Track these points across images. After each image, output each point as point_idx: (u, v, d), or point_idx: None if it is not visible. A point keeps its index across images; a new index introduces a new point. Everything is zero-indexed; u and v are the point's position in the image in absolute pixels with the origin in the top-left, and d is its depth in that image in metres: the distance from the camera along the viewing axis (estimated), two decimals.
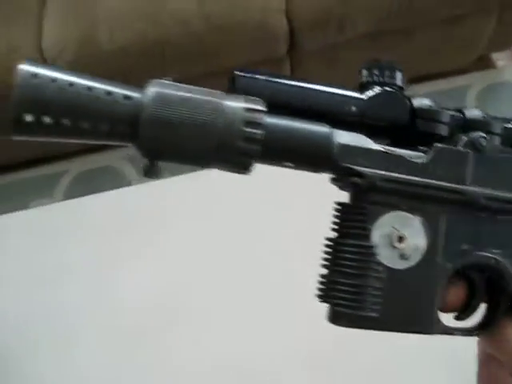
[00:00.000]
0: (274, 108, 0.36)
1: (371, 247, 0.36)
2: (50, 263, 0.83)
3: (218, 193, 0.85)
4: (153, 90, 0.33)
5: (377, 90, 0.39)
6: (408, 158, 0.38)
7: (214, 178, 0.86)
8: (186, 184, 0.90)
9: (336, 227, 0.38)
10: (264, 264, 0.78)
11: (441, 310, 0.38)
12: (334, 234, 0.38)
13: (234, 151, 0.34)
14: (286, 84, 0.38)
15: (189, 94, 0.34)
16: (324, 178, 0.39)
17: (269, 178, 0.84)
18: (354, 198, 0.37)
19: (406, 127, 0.39)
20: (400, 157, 0.37)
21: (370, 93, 0.39)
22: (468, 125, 0.40)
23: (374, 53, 1.83)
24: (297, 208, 0.82)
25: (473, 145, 0.39)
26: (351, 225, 0.37)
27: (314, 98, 0.38)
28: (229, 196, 0.84)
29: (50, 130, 0.32)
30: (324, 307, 0.37)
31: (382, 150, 0.37)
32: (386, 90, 0.39)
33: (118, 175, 1.92)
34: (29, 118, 0.31)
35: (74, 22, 1.65)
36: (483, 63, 2.05)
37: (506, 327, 0.39)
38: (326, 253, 0.38)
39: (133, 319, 0.76)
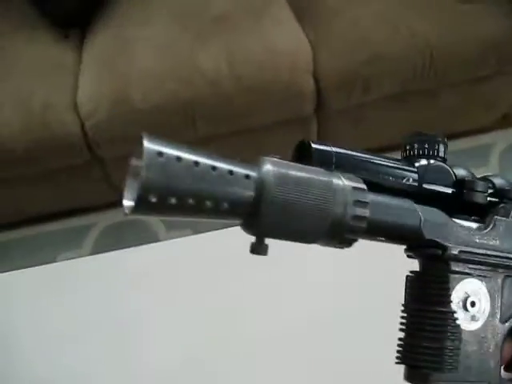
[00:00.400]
0: None
1: (453, 313, 0.40)
2: (75, 318, 0.84)
3: (245, 250, 0.86)
4: (270, 168, 0.33)
5: (424, 162, 0.43)
6: (477, 230, 0.42)
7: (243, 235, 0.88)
8: (213, 241, 0.91)
9: (413, 295, 0.42)
10: (282, 324, 0.79)
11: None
12: (410, 301, 0.42)
13: (344, 230, 0.35)
14: (354, 157, 0.41)
15: (303, 174, 0.34)
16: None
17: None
18: (433, 267, 0.41)
19: (452, 197, 0.43)
20: (470, 229, 0.42)
21: (421, 165, 0.43)
22: (499, 193, 0.45)
23: (399, 113, 1.86)
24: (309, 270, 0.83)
25: None
26: (434, 293, 0.40)
27: (377, 169, 0.41)
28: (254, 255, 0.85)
29: (172, 210, 0.31)
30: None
31: (458, 223, 0.41)
32: (436, 163, 0.43)
33: (146, 229, 1.95)
34: (154, 198, 0.30)
35: (108, 81, 1.70)
36: (506, 121, 2.07)
37: None
38: (405, 318, 0.41)
39: (155, 378, 0.76)
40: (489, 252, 0.42)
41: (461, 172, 0.44)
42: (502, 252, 0.42)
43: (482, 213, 0.44)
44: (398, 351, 0.41)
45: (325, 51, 1.69)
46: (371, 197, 0.37)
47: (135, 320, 0.82)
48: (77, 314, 0.84)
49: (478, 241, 0.42)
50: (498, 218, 0.43)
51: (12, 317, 0.86)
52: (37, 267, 0.92)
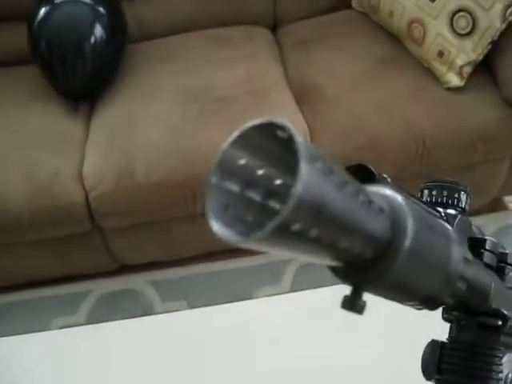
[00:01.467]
0: None
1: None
2: None
3: (243, 325, 0.88)
4: (405, 207, 0.27)
5: (452, 211, 0.38)
6: None
7: (239, 310, 0.91)
8: (210, 316, 0.92)
9: (454, 367, 0.38)
10: None
11: None
12: (449, 373, 0.38)
13: (448, 291, 0.31)
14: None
15: (430, 217, 0.29)
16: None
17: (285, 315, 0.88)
18: (486, 338, 0.37)
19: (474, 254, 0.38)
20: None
21: (449, 215, 0.37)
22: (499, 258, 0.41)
23: None
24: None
25: None
26: (484, 367, 0.37)
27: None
28: (256, 328, 0.87)
29: (305, 244, 0.22)
30: None
31: (510, 292, 0.39)
32: (462, 216, 0.38)
33: (141, 298, 1.97)
34: (297, 227, 0.21)
35: (113, 154, 1.77)
36: (496, 205, 2.13)
37: None
38: None
39: None
40: None
41: (474, 228, 0.40)
42: None
43: None
44: None
45: (323, 136, 1.76)
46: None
47: None
48: (69, 382, 0.85)
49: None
50: None
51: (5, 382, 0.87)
52: (30, 334, 0.92)
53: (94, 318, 1.90)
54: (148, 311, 1.89)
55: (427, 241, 0.27)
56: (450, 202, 0.39)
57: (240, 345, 0.86)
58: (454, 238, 0.30)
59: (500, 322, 0.36)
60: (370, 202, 0.24)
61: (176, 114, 1.82)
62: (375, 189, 0.28)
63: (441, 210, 0.38)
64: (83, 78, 1.91)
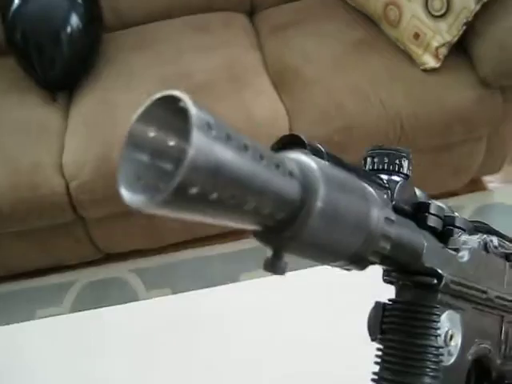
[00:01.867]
0: None
1: (438, 347, 0.37)
2: (54, 376, 0.84)
3: (225, 310, 0.88)
4: (314, 166, 0.28)
5: (395, 178, 0.39)
6: (459, 260, 0.40)
7: (222, 294, 0.92)
8: (193, 301, 0.92)
9: (394, 325, 0.39)
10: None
11: None
12: (389, 332, 0.39)
13: (371, 250, 0.32)
14: (341, 161, 0.35)
15: (346, 178, 0.30)
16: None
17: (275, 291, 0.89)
18: (422, 297, 0.38)
19: (415, 219, 0.39)
20: (456, 258, 0.39)
21: (391, 181, 0.38)
22: (446, 221, 0.41)
23: None
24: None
25: (485, 247, 0.42)
26: (420, 325, 0.37)
27: (362, 179, 0.36)
28: (235, 313, 0.87)
29: (205, 208, 0.24)
30: None
31: (449, 252, 0.39)
32: (404, 181, 0.39)
33: (126, 287, 1.98)
34: (194, 190, 0.22)
35: (92, 143, 1.76)
36: (474, 186, 2.16)
37: None
38: (382, 350, 0.38)
39: None
40: (469, 284, 0.40)
41: (419, 193, 0.41)
42: (477, 284, 0.40)
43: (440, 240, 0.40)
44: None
45: (301, 119, 1.78)
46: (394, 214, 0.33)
47: (114, 379, 0.83)
48: (56, 371, 0.84)
49: (461, 271, 0.39)
50: (472, 247, 0.41)
51: None
52: (15, 324, 0.92)
53: (79, 308, 1.90)
54: (133, 300, 1.89)
55: (341, 202, 0.28)
56: (391, 168, 0.39)
57: (226, 328, 0.87)
58: (374, 200, 0.31)
59: (435, 281, 0.37)
60: (277, 166, 0.25)
61: None
62: (291, 155, 0.29)
63: (384, 176, 0.38)
64: (60, 67, 1.89)
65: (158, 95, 0.23)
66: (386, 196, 0.34)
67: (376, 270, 0.40)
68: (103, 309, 0.94)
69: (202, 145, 0.22)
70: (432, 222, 0.39)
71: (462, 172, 2.04)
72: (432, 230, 0.39)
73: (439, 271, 0.37)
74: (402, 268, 0.38)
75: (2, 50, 1.99)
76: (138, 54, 1.99)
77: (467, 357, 0.40)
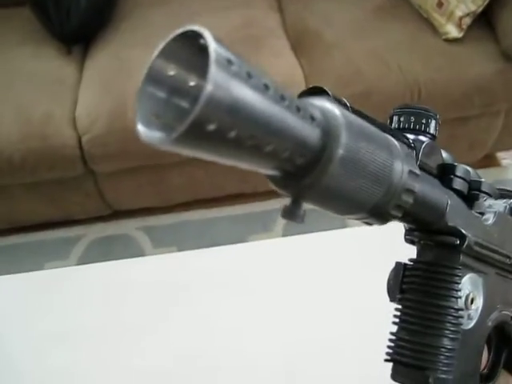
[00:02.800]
0: None
1: (458, 310, 0.36)
2: (59, 325, 0.84)
3: (228, 268, 0.88)
4: (338, 114, 0.27)
5: (422, 137, 0.38)
6: (484, 223, 0.39)
7: (225, 254, 0.91)
8: (198, 259, 0.92)
9: (415, 285, 0.38)
10: (279, 335, 0.79)
11: None
12: (409, 292, 0.38)
13: (393, 203, 0.31)
14: (366, 116, 0.35)
15: (370, 129, 0.29)
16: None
17: (282, 256, 0.88)
18: (444, 257, 0.37)
19: (442, 180, 0.39)
20: (481, 222, 0.39)
21: (417, 141, 0.38)
22: (471, 185, 0.41)
23: None
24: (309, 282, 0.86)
25: (510, 211, 0.41)
26: (441, 285, 0.37)
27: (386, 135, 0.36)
28: (238, 272, 0.87)
29: (221, 146, 0.23)
30: None
31: (473, 213, 0.38)
32: (431, 141, 0.38)
33: (133, 244, 1.98)
34: (212, 127, 0.21)
35: (106, 97, 1.75)
36: (488, 161, 2.14)
37: (506, 378, 0.43)
38: (401, 310, 0.38)
39: None
40: (493, 247, 0.39)
41: (445, 155, 0.40)
42: (501, 248, 0.40)
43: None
44: (389, 347, 0.38)
45: (318, 83, 1.73)
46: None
47: (117, 330, 0.83)
48: (61, 322, 0.85)
49: (485, 234, 0.38)
50: (498, 211, 0.40)
51: None
52: (23, 274, 0.93)
53: (86, 262, 1.90)
54: (140, 256, 1.90)
55: (363, 151, 0.27)
56: (417, 127, 0.38)
57: (230, 287, 0.86)
58: (397, 153, 0.30)
59: (458, 241, 0.36)
60: (298, 109, 0.25)
61: None
62: (315, 101, 0.28)
63: (410, 136, 0.38)
64: (76, 20, 1.87)
65: (180, 30, 0.23)
66: (411, 151, 0.33)
67: (395, 232, 0.40)
68: (109, 262, 0.94)
69: (220, 80, 0.21)
70: (458, 184, 0.39)
71: (477, 146, 2.01)
72: (457, 193, 0.39)
73: (462, 231, 0.36)
74: (425, 226, 0.37)
75: (18, 0, 1.97)
76: (156, 10, 1.96)
77: (487, 322, 0.39)
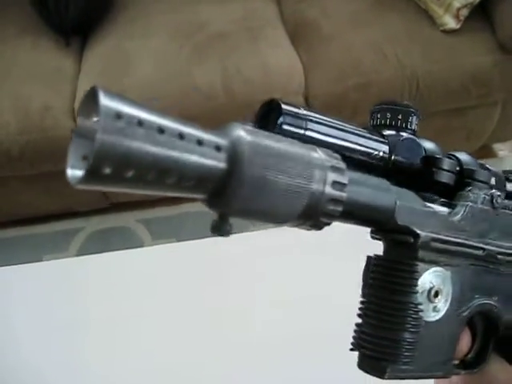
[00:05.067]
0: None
1: (417, 304, 0.37)
2: (59, 316, 0.84)
3: (226, 259, 0.88)
4: (244, 138, 0.29)
5: (396, 133, 0.40)
6: (448, 217, 0.39)
7: (221, 244, 0.91)
8: (196, 249, 0.92)
9: (376, 281, 0.39)
10: (267, 331, 0.80)
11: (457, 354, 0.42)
12: (372, 287, 0.39)
13: (319, 213, 0.32)
14: (325, 122, 0.37)
15: (281, 145, 0.30)
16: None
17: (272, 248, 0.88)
18: (401, 254, 0.38)
19: (421, 174, 0.40)
20: (443, 216, 0.39)
21: (392, 137, 0.39)
22: (465, 173, 0.42)
23: None
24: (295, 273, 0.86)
25: (491, 202, 0.42)
26: (398, 281, 0.38)
27: (349, 138, 0.38)
28: (237, 262, 0.87)
29: (127, 183, 0.26)
30: None
31: (432, 210, 0.38)
32: (407, 136, 0.40)
33: (132, 236, 1.98)
34: (108, 170, 0.25)
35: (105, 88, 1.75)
36: (484, 152, 2.14)
37: (493, 363, 0.45)
38: (364, 304, 0.39)
39: (139, 377, 0.77)
40: (459, 240, 0.39)
41: (430, 147, 0.41)
42: (471, 241, 0.40)
43: (448, 193, 0.41)
44: (354, 337, 0.39)
45: (317, 74, 1.76)
46: (349, 176, 0.33)
47: (119, 322, 0.83)
48: (60, 313, 0.85)
49: (449, 229, 0.39)
50: (470, 203, 0.40)
51: None
52: (22, 265, 0.93)
53: (84, 254, 1.90)
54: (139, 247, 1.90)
55: (272, 170, 0.29)
56: (393, 123, 0.40)
57: (231, 278, 0.87)
58: (319, 165, 0.31)
59: (411, 239, 0.37)
60: (199, 142, 0.28)
61: (170, 50, 1.80)
62: (229, 129, 0.30)
63: (387, 132, 0.39)
64: (75, 11, 1.87)
65: (88, 89, 0.26)
66: (337, 160, 0.33)
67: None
68: (108, 253, 0.95)
69: (107, 134, 0.24)
70: (440, 176, 0.40)
71: (473, 137, 2.02)
72: (441, 185, 0.40)
73: (415, 230, 0.37)
74: (374, 226, 0.38)
75: None
76: (155, 2, 1.96)
77: (461, 312, 0.40)
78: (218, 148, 0.28)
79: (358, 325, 0.39)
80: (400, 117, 0.40)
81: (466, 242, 0.40)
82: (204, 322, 0.81)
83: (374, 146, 0.39)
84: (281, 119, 0.35)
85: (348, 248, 0.83)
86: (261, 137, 0.30)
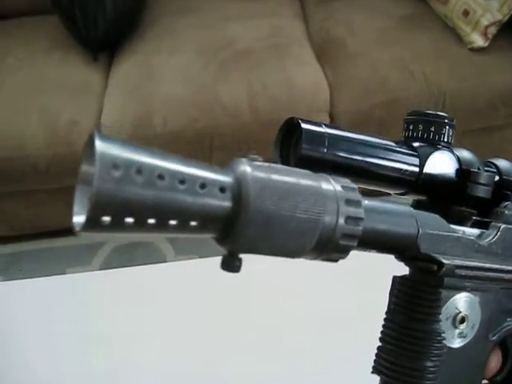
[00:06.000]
0: (333, 164, 0.35)
1: (440, 333, 0.36)
2: (81, 331, 0.83)
3: (252, 274, 0.88)
4: (249, 175, 0.28)
5: (427, 147, 0.38)
6: (477, 241, 0.37)
7: (246, 262, 0.91)
8: (218, 266, 0.92)
9: (399, 305, 0.38)
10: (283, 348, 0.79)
11: (486, 375, 0.41)
12: (395, 311, 0.38)
13: (333, 247, 0.31)
14: (349, 138, 0.36)
15: (288, 179, 0.29)
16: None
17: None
18: (425, 282, 0.37)
19: (454, 188, 0.39)
20: (470, 240, 0.37)
21: (423, 151, 0.38)
22: (504, 183, 0.41)
23: None
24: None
25: None
26: (422, 310, 0.36)
27: (374, 153, 0.37)
28: (258, 279, 0.87)
29: (129, 229, 0.26)
30: None
31: (457, 235, 0.37)
32: (441, 150, 0.38)
33: (156, 252, 1.99)
34: (107, 218, 0.25)
35: (132, 104, 1.76)
36: None
37: None
38: (387, 328, 0.38)
39: None
40: (487, 265, 0.38)
41: (466, 158, 0.39)
42: (501, 265, 0.38)
43: (484, 206, 0.39)
44: (375, 361, 0.38)
45: (342, 92, 1.75)
46: (367, 205, 0.32)
47: (139, 336, 0.82)
48: (81, 325, 0.84)
49: (477, 253, 0.37)
50: (503, 225, 0.39)
51: (16, 324, 0.87)
52: (46, 278, 0.92)
53: (108, 268, 1.91)
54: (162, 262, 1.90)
55: (279, 208, 0.28)
56: (425, 136, 0.38)
57: (252, 294, 0.86)
58: (330, 196, 0.30)
59: (435, 267, 0.35)
60: (202, 186, 0.27)
61: (196, 66, 1.81)
62: (236, 165, 0.29)
63: (420, 145, 0.38)
64: (104, 27, 1.89)
65: (88, 137, 0.26)
66: (353, 191, 0.31)
67: None
68: (131, 268, 0.94)
69: (104, 183, 0.24)
70: (475, 191, 0.38)
71: (501, 157, 1.99)
72: (477, 199, 0.38)
73: (439, 258, 0.35)
74: (396, 254, 0.36)
75: (46, 8, 1.99)
76: (182, 18, 1.98)
77: (490, 337, 0.39)
78: (222, 189, 0.27)
79: (379, 348, 0.38)
80: (433, 129, 0.38)
81: (495, 266, 0.38)
82: (227, 337, 0.81)
83: (403, 160, 0.38)
84: (301, 139, 0.34)
85: (374, 264, 0.83)
86: (267, 172, 0.29)
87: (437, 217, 0.36)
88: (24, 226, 2.01)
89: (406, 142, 0.39)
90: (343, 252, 0.31)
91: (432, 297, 0.36)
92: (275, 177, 0.29)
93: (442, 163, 0.38)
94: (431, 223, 0.36)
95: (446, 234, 0.36)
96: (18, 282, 0.94)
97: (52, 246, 2.04)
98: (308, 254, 0.31)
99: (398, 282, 0.38)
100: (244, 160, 0.29)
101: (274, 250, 0.30)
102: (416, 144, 0.39)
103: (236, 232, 0.28)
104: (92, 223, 0.25)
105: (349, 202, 0.30)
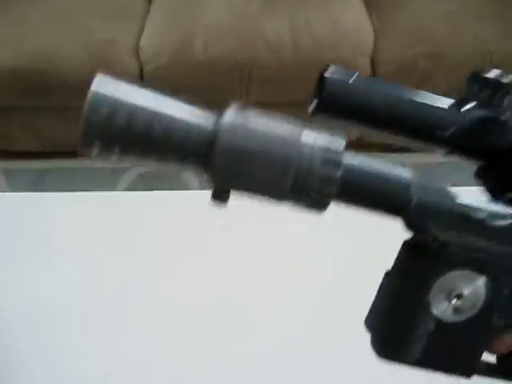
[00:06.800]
0: (364, 115, 0.35)
1: (428, 303, 0.36)
2: (98, 248, 0.84)
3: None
4: (230, 115, 0.31)
5: (476, 111, 0.35)
6: (488, 223, 0.35)
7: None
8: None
9: (399, 268, 0.38)
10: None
11: (494, 352, 0.40)
12: (393, 273, 0.38)
13: (310, 191, 0.31)
14: (379, 90, 0.36)
15: (268, 124, 0.31)
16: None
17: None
18: (423, 253, 0.36)
19: (501, 155, 0.36)
20: (479, 221, 0.34)
21: (469, 114, 0.35)
22: None
23: None
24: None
25: None
26: (414, 281, 0.37)
27: (407, 108, 0.36)
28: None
29: (119, 157, 0.31)
30: None
31: (463, 212, 0.34)
32: (487, 115, 0.36)
33: (180, 181, 1.99)
34: (96, 146, 0.31)
35: (173, 29, 1.75)
36: None
37: None
38: (382, 286, 0.38)
39: (175, 318, 0.74)
40: (501, 250, 0.35)
41: None
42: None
43: None
44: (368, 315, 0.39)
45: (387, 39, 1.72)
46: (348, 159, 0.32)
47: (154, 261, 0.81)
48: (101, 246, 0.84)
49: (489, 236, 0.35)
50: None
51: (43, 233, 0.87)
52: (71, 193, 0.93)
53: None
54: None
55: (253, 141, 0.31)
56: (482, 99, 0.36)
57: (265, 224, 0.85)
58: (304, 144, 0.31)
59: (430, 239, 0.35)
60: (188, 124, 0.30)
61: None
62: (222, 109, 0.31)
63: (473, 108, 0.35)
64: None
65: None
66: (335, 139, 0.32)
67: None
68: (155, 192, 0.94)
69: (91, 117, 0.30)
70: None
71: None
72: None
73: (435, 232, 0.34)
74: (388, 216, 0.35)
75: None
76: None
77: (494, 321, 0.38)
78: (201, 129, 0.31)
79: (372, 303, 0.39)
80: (490, 93, 0.36)
81: (508, 251, 0.36)
82: (243, 270, 0.79)
83: (439, 119, 0.36)
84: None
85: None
86: (247, 114, 0.31)
87: (442, 188, 0.34)
88: (56, 144, 2.01)
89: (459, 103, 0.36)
90: (322, 198, 0.32)
91: (424, 266, 0.36)
92: (255, 118, 0.31)
93: (486, 129, 0.36)
94: (433, 192, 0.34)
95: (447, 208, 0.34)
96: (44, 195, 0.94)
97: (77, 167, 2.04)
98: (287, 196, 0.32)
99: (403, 244, 0.37)
100: (235, 104, 0.31)
101: (252, 185, 0.32)
102: (470, 107, 0.36)
103: (212, 164, 0.31)
104: (85, 148, 0.30)
105: (328, 150, 0.31)
